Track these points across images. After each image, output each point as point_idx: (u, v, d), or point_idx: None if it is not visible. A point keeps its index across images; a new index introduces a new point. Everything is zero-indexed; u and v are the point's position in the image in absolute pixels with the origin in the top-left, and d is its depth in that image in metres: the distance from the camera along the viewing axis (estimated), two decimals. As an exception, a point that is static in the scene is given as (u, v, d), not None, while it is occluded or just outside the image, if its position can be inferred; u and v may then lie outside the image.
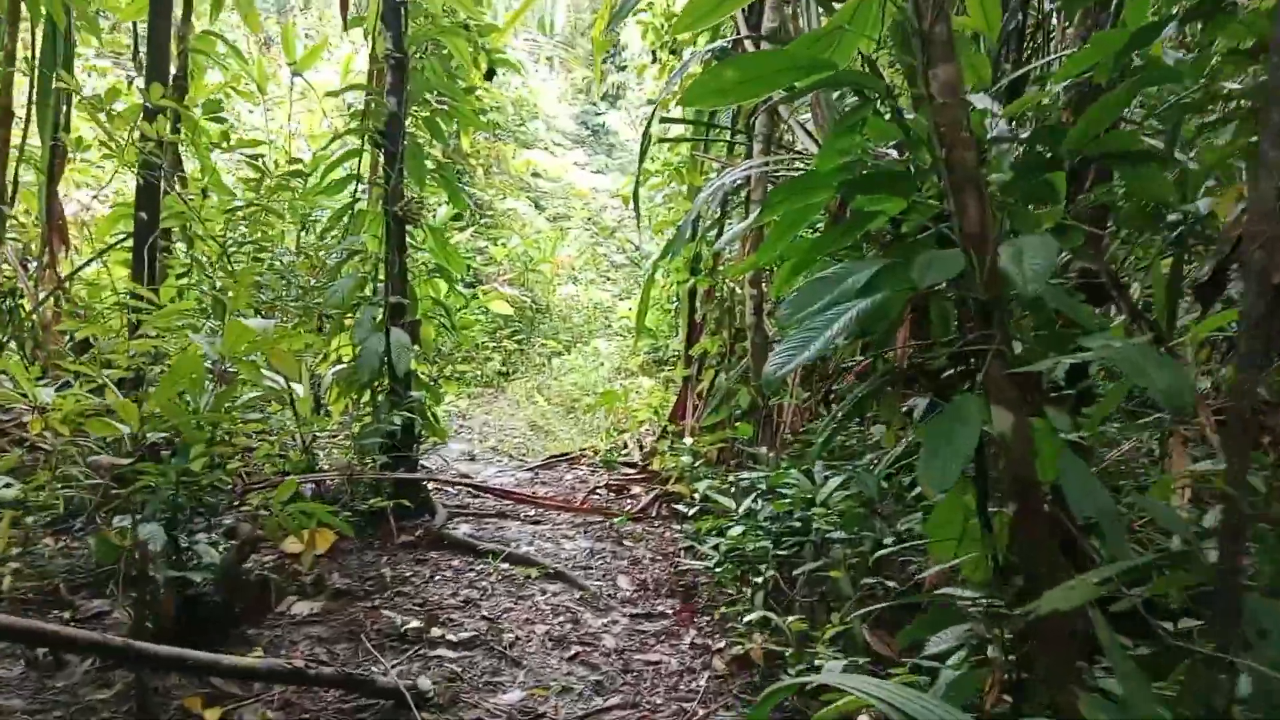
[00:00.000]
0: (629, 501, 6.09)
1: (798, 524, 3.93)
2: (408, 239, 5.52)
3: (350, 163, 5.65)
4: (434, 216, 9.22)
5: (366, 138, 5.37)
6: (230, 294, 4.05)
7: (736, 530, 3.94)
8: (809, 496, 3.87)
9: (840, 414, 2.43)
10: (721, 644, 3.82)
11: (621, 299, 13.85)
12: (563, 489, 6.44)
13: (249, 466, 5.23)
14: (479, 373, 10.51)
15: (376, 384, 5.26)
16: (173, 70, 5.60)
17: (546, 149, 17.85)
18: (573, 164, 18.52)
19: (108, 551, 3.36)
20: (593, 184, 18.16)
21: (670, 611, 4.29)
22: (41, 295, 6.15)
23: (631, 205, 6.44)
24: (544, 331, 12.07)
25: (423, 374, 5.72)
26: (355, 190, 5.56)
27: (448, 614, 3.98)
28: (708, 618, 4.15)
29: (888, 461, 3.05)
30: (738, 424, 5.03)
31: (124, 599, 3.15)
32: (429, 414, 5.49)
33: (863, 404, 2.42)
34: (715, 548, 4.02)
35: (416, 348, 5.37)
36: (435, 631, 3.74)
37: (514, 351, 11.27)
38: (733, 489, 4.46)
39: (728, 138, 6.23)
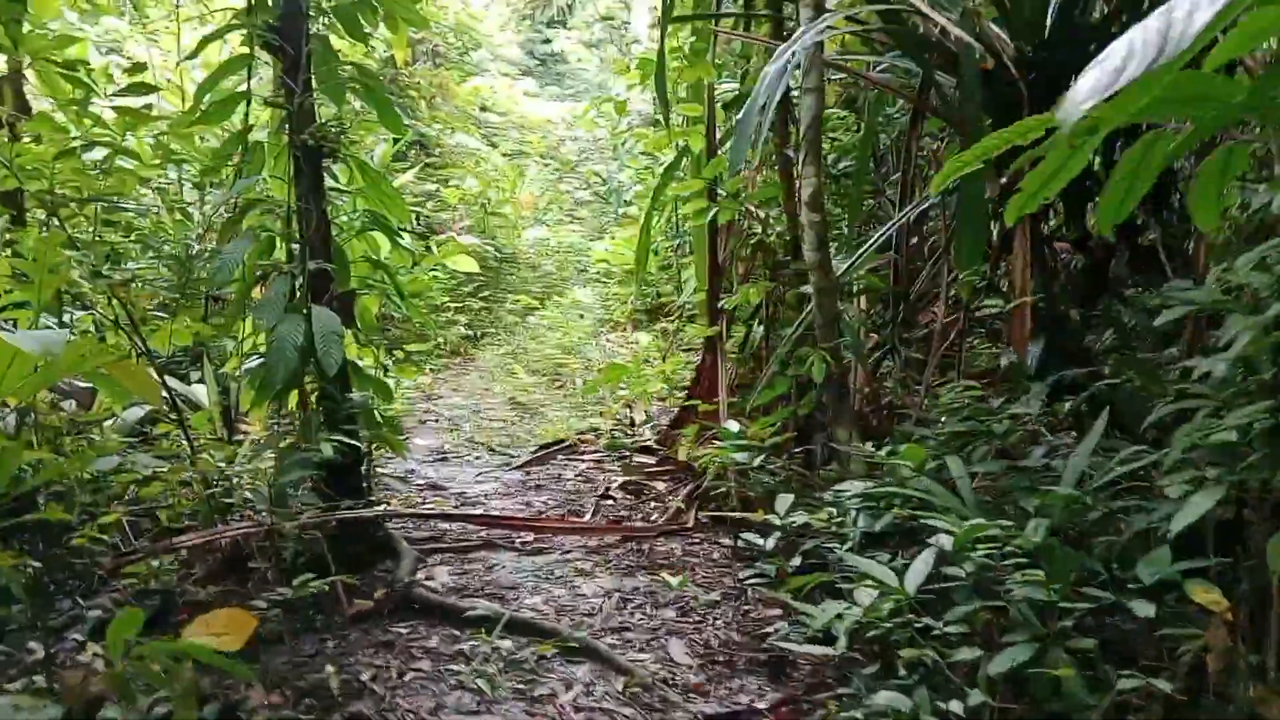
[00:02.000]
0: (654, 507, 4.66)
1: (962, 574, 2.54)
2: (328, 179, 3.96)
3: (239, 79, 4.05)
4: (371, 158, 7.56)
5: (255, 37, 3.76)
6: (34, 279, 2.50)
7: (867, 596, 2.53)
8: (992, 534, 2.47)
9: None
10: (860, 777, 2.44)
11: (594, 240, 12.28)
12: (565, 494, 4.99)
13: (137, 511, 3.72)
14: (442, 338, 8.93)
15: (305, 386, 3.75)
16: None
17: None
18: (523, 94, 16.76)
19: None
20: (547, 114, 16.46)
21: (761, 704, 2.90)
22: None
23: (595, 131, 4.86)
24: (513, 284, 10.47)
25: (365, 364, 4.20)
26: (247, 114, 3.96)
27: (429, 760, 2.55)
28: (820, 713, 2.77)
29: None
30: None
31: None
32: (378, 420, 3.99)
33: None
34: (838, 617, 2.60)
35: (351, 331, 3.86)
36: (411, 807, 2.31)
37: (481, 310, 9.67)
38: (833, 511, 3.04)
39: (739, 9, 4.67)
